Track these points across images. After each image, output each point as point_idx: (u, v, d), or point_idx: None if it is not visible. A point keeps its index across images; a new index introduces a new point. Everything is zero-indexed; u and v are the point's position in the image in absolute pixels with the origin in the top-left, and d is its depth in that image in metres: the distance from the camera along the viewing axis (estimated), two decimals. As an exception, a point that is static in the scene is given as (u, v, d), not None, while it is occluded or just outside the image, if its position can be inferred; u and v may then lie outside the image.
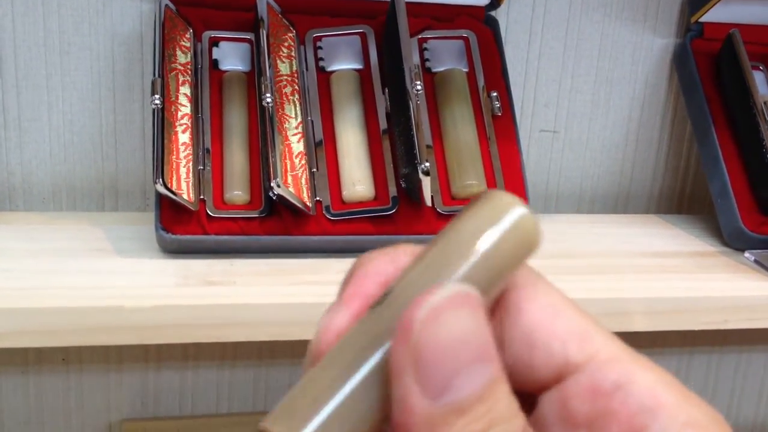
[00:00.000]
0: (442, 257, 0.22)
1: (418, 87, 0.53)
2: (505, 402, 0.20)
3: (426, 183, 0.52)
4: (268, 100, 0.53)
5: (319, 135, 0.56)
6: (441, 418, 0.19)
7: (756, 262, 0.57)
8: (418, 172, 0.51)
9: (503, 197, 0.23)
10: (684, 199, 0.72)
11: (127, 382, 0.64)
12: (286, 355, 0.66)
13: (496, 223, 0.22)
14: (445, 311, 0.20)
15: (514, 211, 0.23)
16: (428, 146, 0.57)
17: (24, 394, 0.63)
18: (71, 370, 0.63)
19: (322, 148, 0.56)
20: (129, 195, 0.63)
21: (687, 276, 0.56)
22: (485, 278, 0.22)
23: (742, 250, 0.59)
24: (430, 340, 0.19)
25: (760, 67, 0.66)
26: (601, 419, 0.21)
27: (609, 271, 0.56)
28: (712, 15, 0.65)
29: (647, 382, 0.21)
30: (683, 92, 0.66)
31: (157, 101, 0.52)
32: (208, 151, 0.55)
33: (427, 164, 0.51)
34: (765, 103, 0.62)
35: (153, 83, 0.53)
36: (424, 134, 0.52)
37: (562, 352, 0.22)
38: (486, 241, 0.22)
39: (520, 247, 0.23)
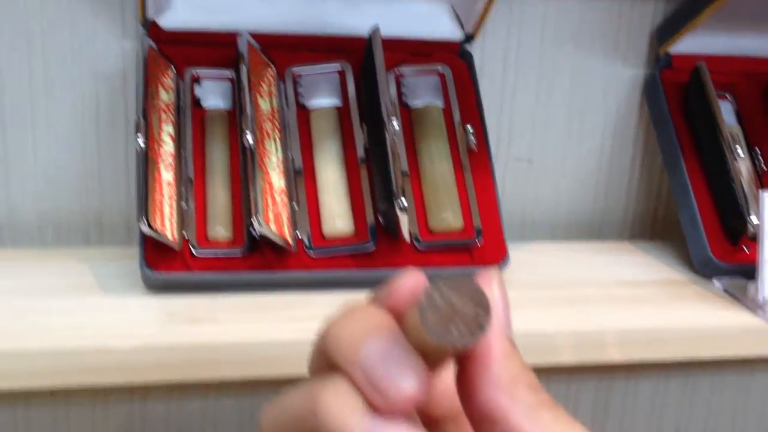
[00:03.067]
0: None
1: (395, 125, 0.55)
2: None
3: (403, 219, 0.53)
4: (249, 140, 0.54)
5: (300, 171, 0.58)
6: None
7: (725, 291, 0.59)
8: (395, 208, 0.53)
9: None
10: (657, 224, 0.74)
11: (113, 415, 0.65)
12: (271, 386, 0.67)
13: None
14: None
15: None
16: (404, 174, 0.58)
17: (13, 428, 0.64)
18: (58, 403, 0.63)
19: (303, 184, 0.57)
20: (113, 228, 0.64)
21: (658, 306, 0.57)
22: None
23: (711, 278, 0.61)
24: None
25: (727, 97, 0.68)
26: None
27: (583, 302, 0.57)
28: (681, 46, 0.67)
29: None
30: (653, 123, 0.68)
31: (141, 141, 0.53)
32: (191, 187, 0.56)
33: (404, 201, 0.52)
34: (731, 134, 0.64)
35: (137, 124, 0.54)
36: (400, 171, 0.54)
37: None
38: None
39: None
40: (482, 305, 0.25)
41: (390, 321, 0.27)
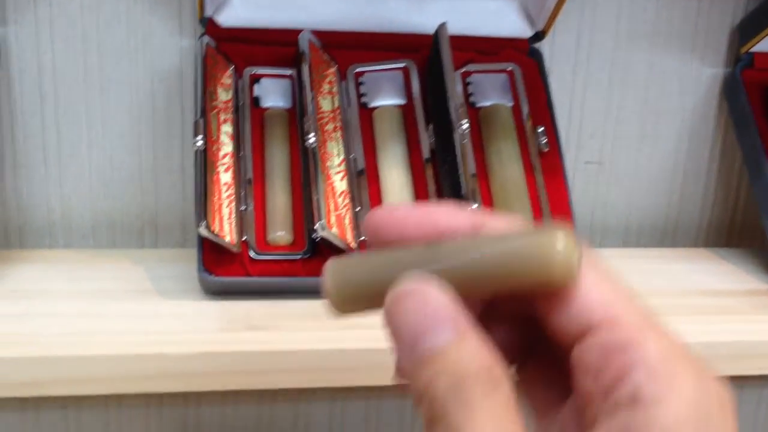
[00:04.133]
0: (465, 246, 0.27)
1: (464, 126, 0.52)
2: (470, 358, 0.25)
3: (473, 224, 0.51)
4: (311, 140, 0.52)
5: (362, 173, 0.55)
6: (412, 369, 0.26)
7: (814, 302, 0.55)
8: (465, 213, 0.50)
9: (556, 233, 0.26)
10: (734, 230, 0.70)
11: (167, 421, 0.63)
12: (329, 394, 0.65)
13: (526, 246, 0.26)
14: (405, 296, 0.27)
15: (549, 244, 0.26)
16: (473, 176, 0.55)
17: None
18: (111, 408, 0.62)
19: (366, 186, 0.55)
20: (168, 230, 0.62)
21: (743, 317, 0.54)
22: (478, 283, 0.27)
23: (799, 289, 0.57)
24: (396, 315, 0.27)
25: (813, 97, 0.64)
26: (601, 371, 0.26)
27: (663, 313, 0.54)
28: (764, 45, 0.64)
29: (652, 347, 0.26)
30: (734, 124, 0.65)
31: (200, 142, 0.51)
32: (250, 189, 0.54)
33: (476, 207, 0.50)
34: (821, 136, 0.60)
35: (195, 124, 0.52)
36: (470, 175, 0.51)
37: (587, 315, 0.27)
38: (500, 255, 0.26)
39: (533, 276, 0.26)
40: None
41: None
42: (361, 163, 0.55)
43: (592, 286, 0.27)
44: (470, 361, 0.25)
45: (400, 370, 0.27)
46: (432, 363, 0.25)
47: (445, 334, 0.26)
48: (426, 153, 0.56)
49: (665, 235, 0.69)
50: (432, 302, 0.26)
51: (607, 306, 0.27)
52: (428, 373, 0.25)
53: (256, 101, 0.57)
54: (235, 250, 0.51)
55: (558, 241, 0.26)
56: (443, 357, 0.25)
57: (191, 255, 0.54)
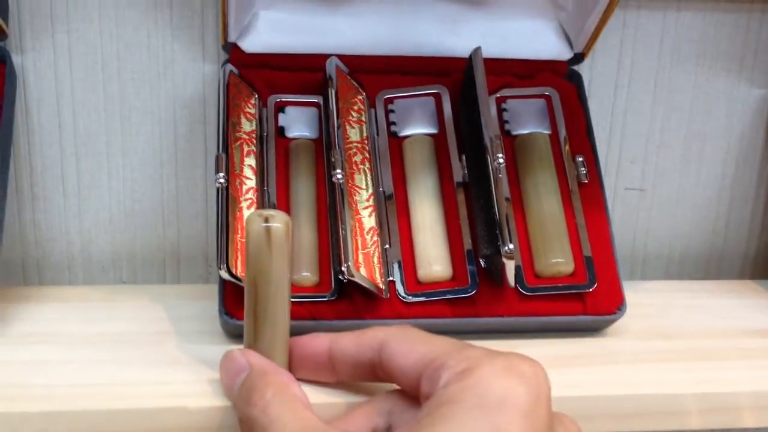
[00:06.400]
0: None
1: (500, 160, 0.49)
2: (259, 378, 0.39)
3: (509, 265, 0.48)
4: (339, 176, 0.49)
5: (392, 207, 0.52)
6: (233, 402, 0.40)
7: None
8: (500, 255, 0.47)
9: None
10: (783, 259, 0.67)
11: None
12: None
13: None
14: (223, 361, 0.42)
15: None
16: (508, 206, 0.52)
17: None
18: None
19: (395, 222, 0.52)
20: (191, 262, 0.60)
21: (797, 363, 0.51)
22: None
23: None
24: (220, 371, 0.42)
25: None
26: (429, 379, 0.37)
27: (712, 357, 0.51)
28: (817, 65, 0.60)
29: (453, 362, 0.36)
30: (784, 148, 0.61)
31: (222, 179, 0.49)
32: (274, 225, 0.51)
33: (511, 247, 0.47)
34: None
35: (217, 159, 0.50)
36: (506, 211, 0.48)
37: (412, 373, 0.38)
38: None
39: None
40: None
41: None
42: (390, 196, 0.53)
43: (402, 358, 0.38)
44: (260, 378, 0.39)
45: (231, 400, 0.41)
46: (239, 400, 0.39)
47: (239, 379, 0.40)
48: (458, 184, 0.53)
49: (710, 264, 0.66)
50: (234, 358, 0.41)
51: (424, 357, 0.37)
52: (237, 397, 0.39)
53: (281, 131, 0.55)
54: (258, 292, 0.48)
55: None
56: (243, 386, 0.39)
57: (214, 291, 0.51)
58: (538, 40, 0.58)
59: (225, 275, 0.47)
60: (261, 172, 0.52)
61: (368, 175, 0.53)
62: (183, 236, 0.60)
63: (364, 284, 0.48)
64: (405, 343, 0.38)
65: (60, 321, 0.51)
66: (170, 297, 0.55)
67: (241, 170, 0.52)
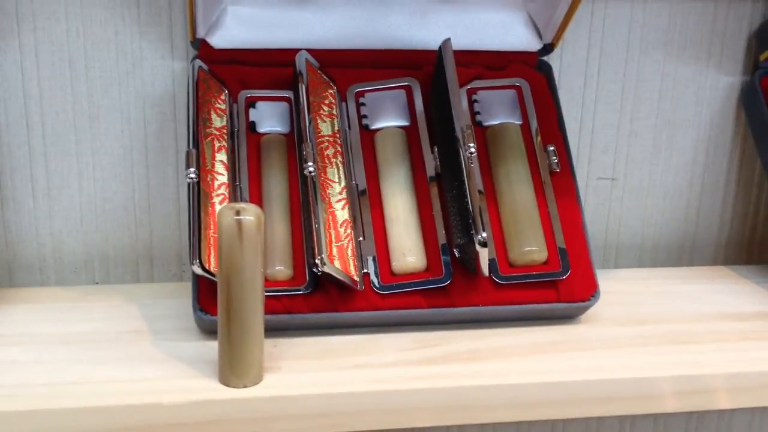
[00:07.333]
0: None
1: (472, 150, 0.49)
2: None
3: (483, 254, 0.48)
4: (311, 169, 0.49)
5: (365, 200, 0.52)
6: None
7: None
8: (474, 243, 0.47)
9: None
10: (754, 246, 0.67)
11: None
12: None
13: None
14: None
15: None
16: (483, 203, 0.52)
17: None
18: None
19: (369, 215, 0.52)
20: (164, 262, 0.60)
21: (770, 344, 0.51)
22: None
23: (827, 310, 0.54)
24: None
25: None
26: None
27: (686, 341, 0.51)
28: (782, 51, 0.61)
29: None
30: (753, 133, 0.62)
31: (193, 174, 0.49)
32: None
33: (485, 235, 0.47)
34: None
35: (188, 155, 0.49)
36: (479, 200, 0.48)
37: None
38: None
39: None
40: None
41: None
42: (363, 189, 0.53)
43: None
44: None
45: None
46: None
47: None
48: (431, 176, 0.53)
49: (682, 251, 0.66)
50: None
51: None
52: None
53: (252, 126, 0.54)
54: (232, 287, 0.48)
55: None
56: None
57: (188, 289, 0.51)
58: (507, 31, 0.58)
59: (198, 270, 0.46)
60: (233, 168, 0.52)
61: (341, 168, 0.53)
62: (155, 235, 0.59)
63: (338, 276, 0.48)
64: None
65: (32, 322, 0.51)
66: (144, 296, 0.55)
67: (213, 166, 0.51)
